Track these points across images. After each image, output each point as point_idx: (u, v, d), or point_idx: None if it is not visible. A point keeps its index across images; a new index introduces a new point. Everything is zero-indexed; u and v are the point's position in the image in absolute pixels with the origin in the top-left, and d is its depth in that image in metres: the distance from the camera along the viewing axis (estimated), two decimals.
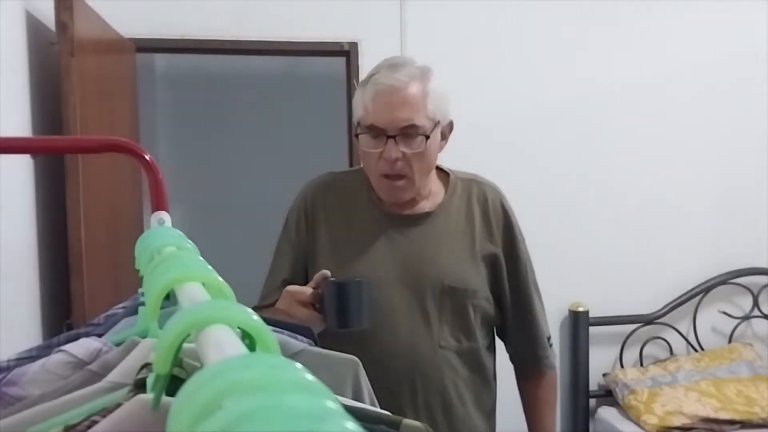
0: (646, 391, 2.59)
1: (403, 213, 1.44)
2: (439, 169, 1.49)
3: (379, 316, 1.31)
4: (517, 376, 1.56)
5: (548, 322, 1.55)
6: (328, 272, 1.26)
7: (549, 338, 1.54)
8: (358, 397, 0.91)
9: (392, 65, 1.37)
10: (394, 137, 1.33)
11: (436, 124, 1.37)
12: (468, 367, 1.42)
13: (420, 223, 1.44)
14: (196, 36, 2.53)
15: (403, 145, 1.33)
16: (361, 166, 1.48)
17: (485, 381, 1.47)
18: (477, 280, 1.42)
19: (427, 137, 1.34)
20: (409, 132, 1.33)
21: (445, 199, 1.46)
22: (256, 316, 0.41)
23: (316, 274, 1.27)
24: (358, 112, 1.40)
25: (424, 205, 1.45)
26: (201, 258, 0.63)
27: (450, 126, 1.44)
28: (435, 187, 1.47)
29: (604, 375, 2.79)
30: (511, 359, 1.56)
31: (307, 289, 1.26)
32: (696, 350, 2.85)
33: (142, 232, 0.94)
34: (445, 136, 1.43)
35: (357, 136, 1.40)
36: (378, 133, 1.34)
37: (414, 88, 1.34)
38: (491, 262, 1.44)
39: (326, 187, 1.50)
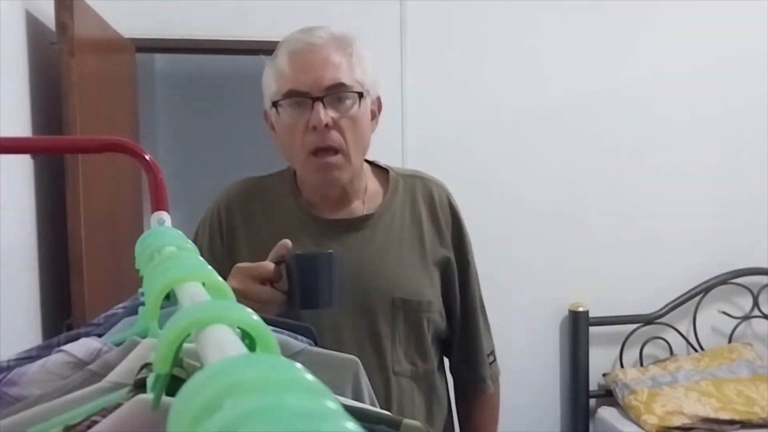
0: (646, 391, 2.59)
1: (338, 217, 1.23)
2: (375, 166, 1.31)
3: (321, 341, 1.10)
4: (456, 396, 1.38)
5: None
6: (289, 242, 1.08)
7: (491, 354, 1.36)
8: (358, 397, 0.90)
9: (306, 28, 1.18)
10: (321, 99, 1.12)
11: (366, 92, 1.17)
12: (424, 395, 1.24)
13: (359, 228, 1.22)
14: (196, 36, 2.53)
15: (333, 110, 1.13)
16: (284, 168, 1.29)
17: (440, 408, 1.29)
18: (431, 290, 1.23)
19: (361, 95, 1.15)
20: (337, 93, 1.13)
21: (386, 199, 1.25)
22: (256, 316, 0.41)
23: (276, 246, 1.08)
24: (270, 88, 1.17)
25: (361, 207, 1.24)
26: (201, 258, 0.63)
27: (379, 104, 1.24)
28: (372, 185, 1.27)
29: (604, 375, 2.79)
30: (454, 379, 1.38)
31: (267, 264, 1.06)
32: (696, 350, 2.85)
33: (142, 232, 0.94)
34: (374, 115, 1.23)
35: (275, 105, 1.16)
36: (300, 99, 1.13)
37: (335, 47, 1.15)
38: (444, 268, 1.26)
39: (244, 193, 1.27)
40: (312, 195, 1.25)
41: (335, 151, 1.15)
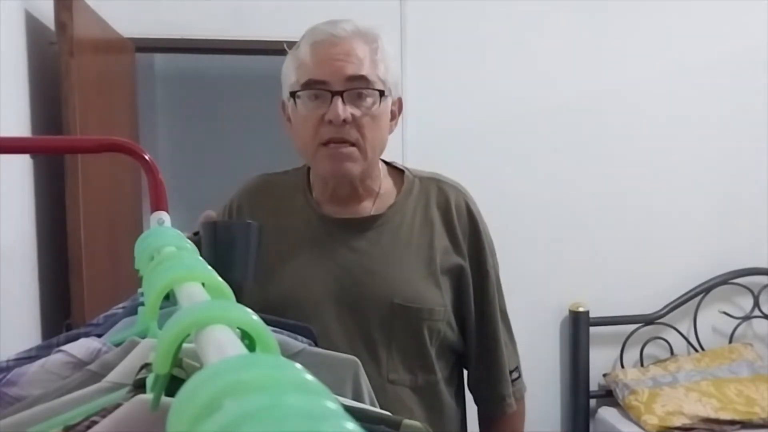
0: (647, 392, 2.59)
1: (345, 216, 1.19)
2: (393, 167, 1.26)
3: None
4: (478, 415, 1.31)
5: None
6: (212, 213, 1.05)
7: (516, 370, 1.29)
8: (358, 397, 0.90)
9: (331, 21, 1.15)
10: (340, 94, 1.08)
11: (388, 90, 1.13)
12: (425, 405, 1.17)
13: (364, 229, 1.18)
14: (196, 36, 2.53)
15: (352, 106, 1.09)
16: (300, 166, 1.25)
17: (447, 422, 1.21)
18: (435, 298, 1.16)
19: (382, 93, 1.10)
20: (358, 87, 1.09)
21: (397, 202, 1.20)
22: (255, 316, 0.41)
23: (201, 216, 1.04)
24: (290, 77, 1.13)
25: (370, 207, 1.20)
26: (200, 258, 0.62)
27: (400, 104, 1.21)
28: (386, 185, 1.22)
29: (604, 375, 2.79)
30: (473, 396, 1.30)
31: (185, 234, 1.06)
32: (696, 350, 2.85)
33: (141, 232, 0.94)
34: (394, 115, 1.19)
35: (293, 96, 1.12)
36: (320, 90, 1.09)
37: (361, 42, 1.11)
38: (456, 276, 1.20)
39: (256, 190, 1.26)
40: (322, 192, 1.21)
41: (350, 143, 1.11)
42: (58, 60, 1.97)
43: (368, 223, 1.18)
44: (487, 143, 2.73)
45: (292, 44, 2.60)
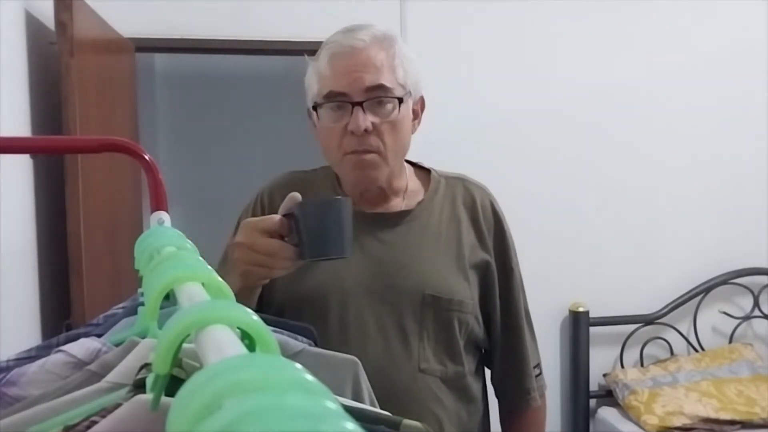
0: (647, 392, 2.59)
1: (375, 212, 1.23)
2: (418, 166, 1.31)
3: (345, 334, 1.11)
4: (501, 409, 1.34)
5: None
6: (298, 195, 1.03)
7: (537, 366, 1.33)
8: (357, 397, 0.90)
9: (349, 29, 1.18)
10: (360, 104, 1.11)
11: (408, 93, 1.17)
12: (454, 396, 1.21)
13: (395, 224, 1.22)
14: (196, 36, 2.53)
15: (372, 114, 1.12)
16: (325, 165, 1.27)
17: (473, 414, 1.25)
18: (464, 291, 1.21)
19: (401, 101, 1.13)
20: (377, 96, 1.12)
21: (426, 199, 1.25)
22: (255, 317, 0.41)
23: (285, 199, 1.01)
24: (312, 89, 1.17)
25: (400, 204, 1.24)
26: (201, 258, 0.62)
27: (422, 103, 1.24)
28: (413, 184, 1.27)
29: (604, 375, 2.79)
30: (495, 392, 1.35)
31: (273, 216, 1.01)
32: (696, 350, 2.85)
33: (141, 232, 0.94)
34: (417, 115, 1.23)
35: (315, 108, 1.17)
36: (341, 101, 1.13)
37: (378, 49, 1.14)
38: (482, 271, 1.24)
39: (285, 186, 1.25)
40: (351, 191, 1.24)
41: (372, 152, 1.14)
42: (58, 60, 1.96)
43: (398, 218, 1.23)
44: (487, 143, 2.73)
45: (291, 44, 2.59)
